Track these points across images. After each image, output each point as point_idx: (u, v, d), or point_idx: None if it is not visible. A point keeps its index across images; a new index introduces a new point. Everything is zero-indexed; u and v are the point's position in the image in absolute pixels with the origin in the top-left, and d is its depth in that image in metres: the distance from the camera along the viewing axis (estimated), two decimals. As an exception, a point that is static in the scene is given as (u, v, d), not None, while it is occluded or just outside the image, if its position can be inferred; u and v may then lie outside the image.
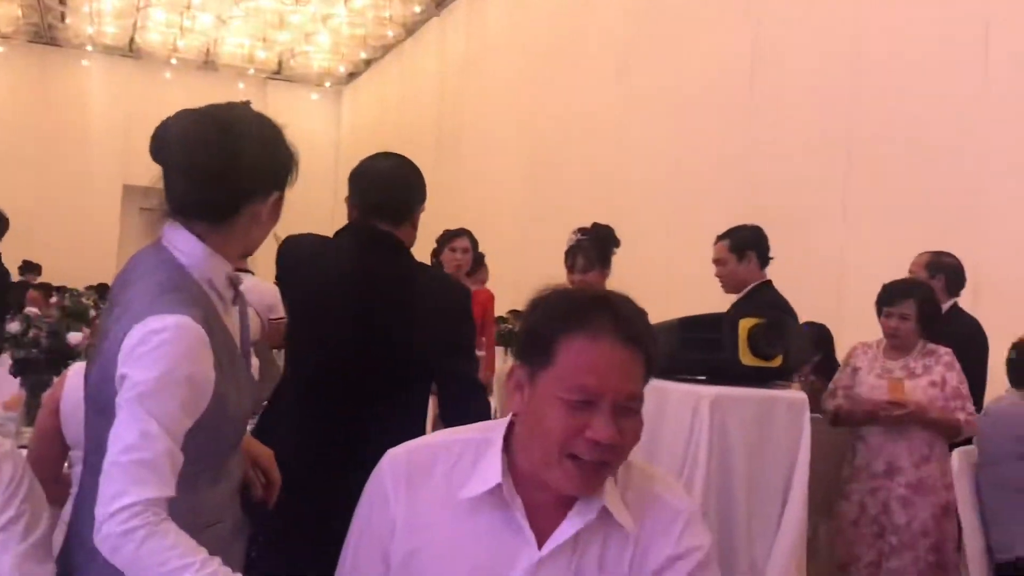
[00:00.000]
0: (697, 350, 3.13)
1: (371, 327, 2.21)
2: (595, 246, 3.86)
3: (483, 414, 2.28)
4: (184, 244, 1.47)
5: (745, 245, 4.05)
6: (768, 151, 6.57)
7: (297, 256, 2.30)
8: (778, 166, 6.45)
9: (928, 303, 3.70)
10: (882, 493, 3.58)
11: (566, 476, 1.28)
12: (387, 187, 2.32)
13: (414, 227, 2.37)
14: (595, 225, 3.99)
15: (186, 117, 1.49)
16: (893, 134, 5.77)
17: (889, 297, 3.70)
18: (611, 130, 8.22)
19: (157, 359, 1.32)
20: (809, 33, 6.42)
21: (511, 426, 1.38)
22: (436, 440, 1.45)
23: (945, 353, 3.67)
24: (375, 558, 1.38)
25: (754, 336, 3.00)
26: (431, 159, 10.81)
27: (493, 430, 1.39)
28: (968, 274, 4.82)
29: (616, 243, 3.94)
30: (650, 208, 7.57)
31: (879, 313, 3.73)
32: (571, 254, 3.90)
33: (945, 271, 4.22)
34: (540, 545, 1.31)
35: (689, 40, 7.44)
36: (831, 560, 3.75)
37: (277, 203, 1.55)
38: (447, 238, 5.27)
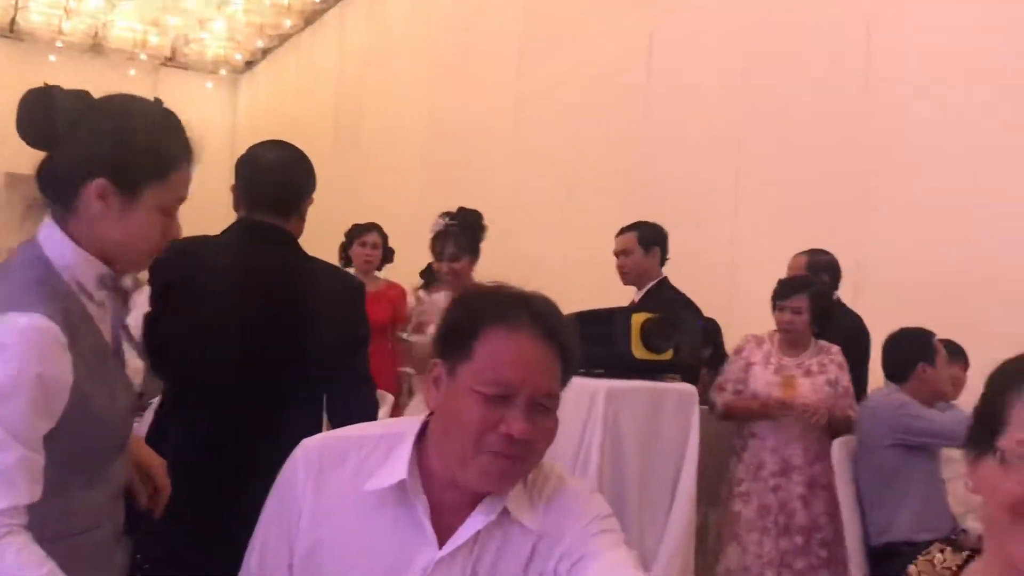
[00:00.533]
0: (591, 344, 3.17)
1: (264, 326, 2.17)
2: (465, 233, 3.72)
3: (370, 411, 2.27)
4: (53, 242, 1.42)
5: (652, 240, 4.14)
6: (663, 150, 6.71)
7: (178, 262, 2.16)
8: (672, 165, 6.59)
9: (821, 299, 3.77)
10: (782, 493, 3.61)
11: (480, 471, 1.27)
12: (275, 178, 2.27)
13: (302, 219, 2.33)
14: (462, 210, 3.82)
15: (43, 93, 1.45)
16: (781, 134, 5.96)
17: (784, 291, 3.78)
18: (509, 125, 8.26)
19: (5, 361, 1.27)
20: (704, 34, 6.58)
21: (426, 423, 1.38)
22: (352, 433, 1.44)
23: (836, 352, 3.76)
24: (282, 547, 1.37)
25: (646, 330, 3.07)
26: (330, 150, 10.67)
27: (409, 426, 1.39)
28: (850, 271, 5.02)
29: (484, 229, 3.80)
30: (546, 203, 7.64)
31: (774, 308, 3.79)
32: (440, 241, 3.73)
33: (826, 270, 4.34)
34: (442, 544, 1.31)
35: (587, 38, 7.53)
36: (724, 562, 3.73)
37: (127, 198, 1.43)
38: (356, 233, 5.18)
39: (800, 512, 3.59)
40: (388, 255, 5.57)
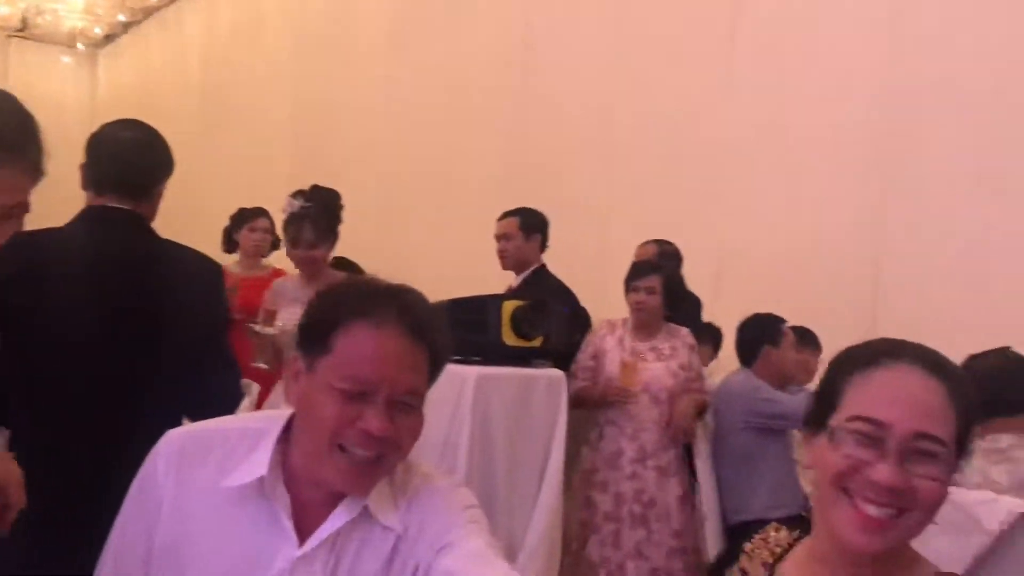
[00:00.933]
0: (463, 331, 3.20)
1: (118, 315, 2.07)
2: (323, 216, 3.32)
3: (232, 397, 2.21)
4: None
5: (534, 226, 4.13)
6: (538, 133, 6.78)
7: (19, 255, 1.91)
8: (548, 150, 6.67)
9: (673, 280, 3.78)
10: (638, 480, 3.58)
11: (336, 470, 1.23)
12: (127, 159, 2.16)
13: (156, 201, 2.23)
14: (317, 189, 3.42)
15: None
16: (649, 123, 6.12)
17: (636, 272, 3.78)
18: (382, 106, 8.17)
19: None
20: (579, 20, 6.68)
21: (292, 418, 1.33)
22: (216, 426, 1.39)
23: (687, 334, 3.78)
24: (139, 542, 1.31)
25: (516, 317, 3.11)
26: (196, 129, 10.31)
27: (274, 421, 1.34)
28: (712, 259, 5.21)
29: (341, 210, 3.45)
30: (420, 187, 7.61)
31: (627, 290, 3.77)
32: (295, 225, 3.32)
33: (672, 259, 4.37)
34: (303, 543, 1.27)
35: (464, 20, 7.52)
36: (580, 557, 3.66)
37: None
38: (245, 217, 4.94)
39: (657, 499, 3.57)
40: (276, 241, 5.40)
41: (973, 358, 2.55)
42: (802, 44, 5.63)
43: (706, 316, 4.74)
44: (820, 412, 1.15)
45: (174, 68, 12.83)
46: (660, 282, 3.70)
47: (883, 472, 1.06)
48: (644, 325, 3.74)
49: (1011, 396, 2.46)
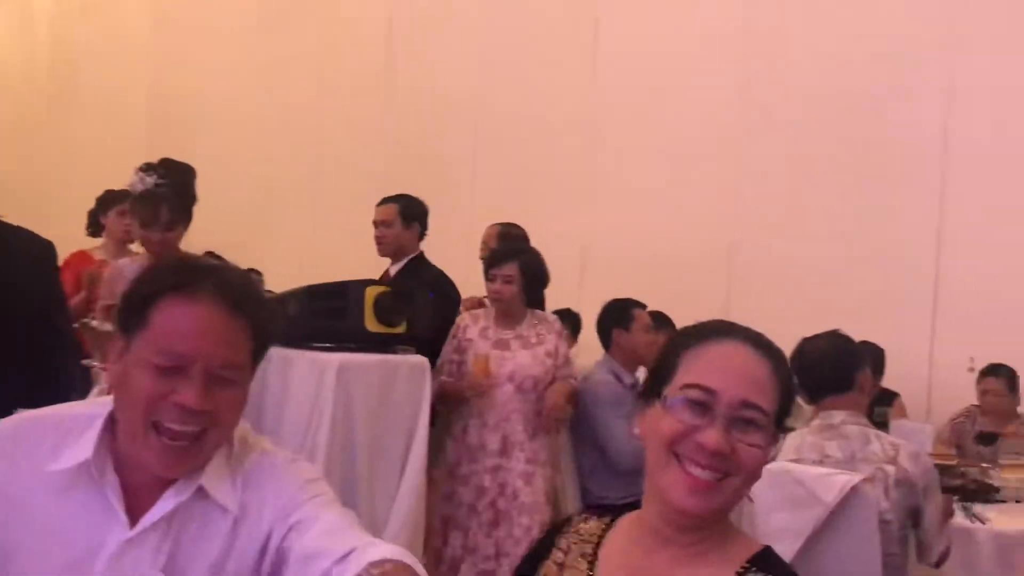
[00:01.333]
0: (325, 318, 3.18)
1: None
2: (179, 195, 3.08)
3: (74, 380, 2.13)
4: None
5: (413, 214, 4.06)
6: (408, 124, 6.76)
7: None
8: (418, 140, 6.66)
9: (533, 266, 3.64)
10: (502, 473, 3.47)
11: (152, 450, 1.22)
12: None
13: None
14: (168, 163, 3.14)
15: None
16: (515, 114, 6.21)
17: (493, 260, 3.68)
18: (247, 88, 7.95)
19: None
20: (444, 13, 6.68)
21: None
22: (51, 412, 1.35)
23: (555, 321, 3.71)
24: None
25: (379, 303, 3.10)
26: (44, 108, 9.78)
27: (105, 405, 1.31)
28: (577, 248, 5.33)
29: (194, 185, 3.18)
30: (289, 176, 7.46)
31: (486, 277, 3.68)
32: (147, 205, 3.03)
33: (518, 240, 4.28)
34: (135, 525, 1.25)
35: (332, 6, 7.41)
36: (442, 553, 3.55)
37: None
38: (113, 200, 4.67)
39: (523, 491, 3.46)
40: None
41: (806, 340, 2.70)
42: (663, 39, 5.82)
43: (571, 303, 4.85)
44: (656, 383, 1.22)
45: (20, 41, 12.11)
46: (518, 269, 3.58)
47: (711, 436, 1.13)
48: (505, 314, 3.64)
49: (841, 375, 2.63)
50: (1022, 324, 4.45)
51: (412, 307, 3.22)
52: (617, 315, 3.93)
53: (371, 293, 3.10)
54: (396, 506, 3.02)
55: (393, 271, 4.09)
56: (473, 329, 3.65)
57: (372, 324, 3.09)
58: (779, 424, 1.19)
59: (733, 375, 1.17)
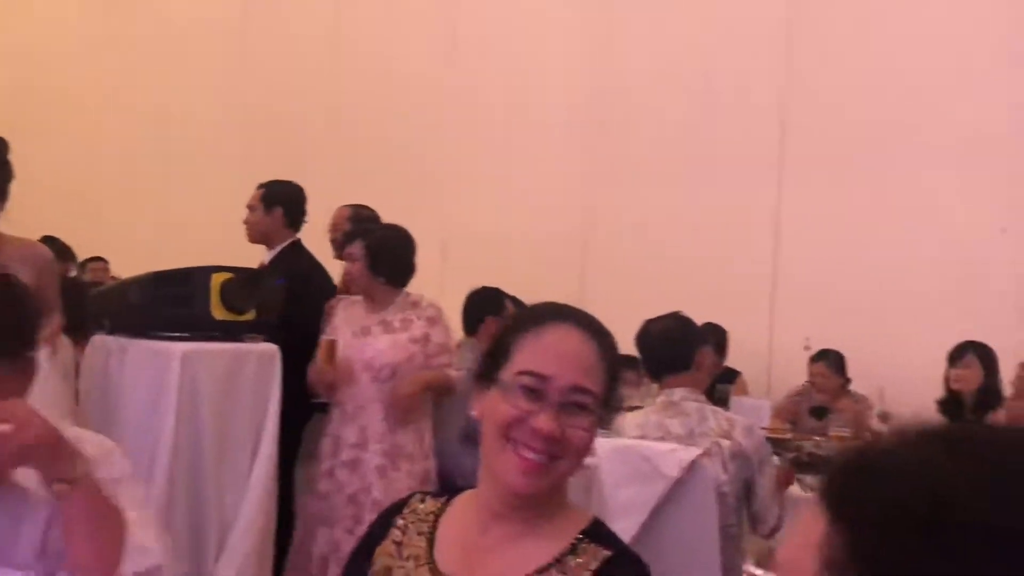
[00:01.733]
0: (170, 305, 3.07)
1: None
2: None
3: None
4: None
5: (275, 199, 3.89)
6: (260, 105, 6.62)
7: None
8: (273, 123, 6.53)
9: (379, 243, 3.43)
10: (360, 467, 3.25)
11: None
12: None
13: None
14: None
15: None
16: (373, 102, 6.19)
17: (341, 244, 3.64)
18: (90, 70, 7.57)
19: None
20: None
21: None
22: None
23: (429, 306, 3.44)
24: None
25: (226, 290, 3.02)
26: None
27: None
28: (437, 233, 5.32)
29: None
30: (148, 159, 7.14)
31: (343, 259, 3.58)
32: None
33: (369, 221, 4.16)
34: None
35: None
36: (310, 552, 3.34)
37: None
38: None
39: (375, 487, 3.22)
40: None
41: (649, 322, 2.80)
42: (521, 33, 5.91)
43: (433, 289, 4.84)
44: (492, 367, 1.24)
45: None
46: (362, 248, 3.38)
47: (543, 421, 1.17)
48: (369, 297, 3.42)
49: (680, 354, 2.74)
50: (853, 308, 4.75)
51: (260, 294, 3.16)
52: (490, 302, 3.95)
53: (217, 279, 3.02)
54: (247, 498, 2.95)
55: (266, 260, 3.93)
56: (341, 316, 3.44)
57: (219, 311, 3.01)
58: (606, 404, 1.23)
59: (565, 361, 1.20)
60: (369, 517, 2.96)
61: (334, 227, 4.18)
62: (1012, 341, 3.97)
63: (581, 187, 5.78)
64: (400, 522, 1.30)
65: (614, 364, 1.25)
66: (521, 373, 1.19)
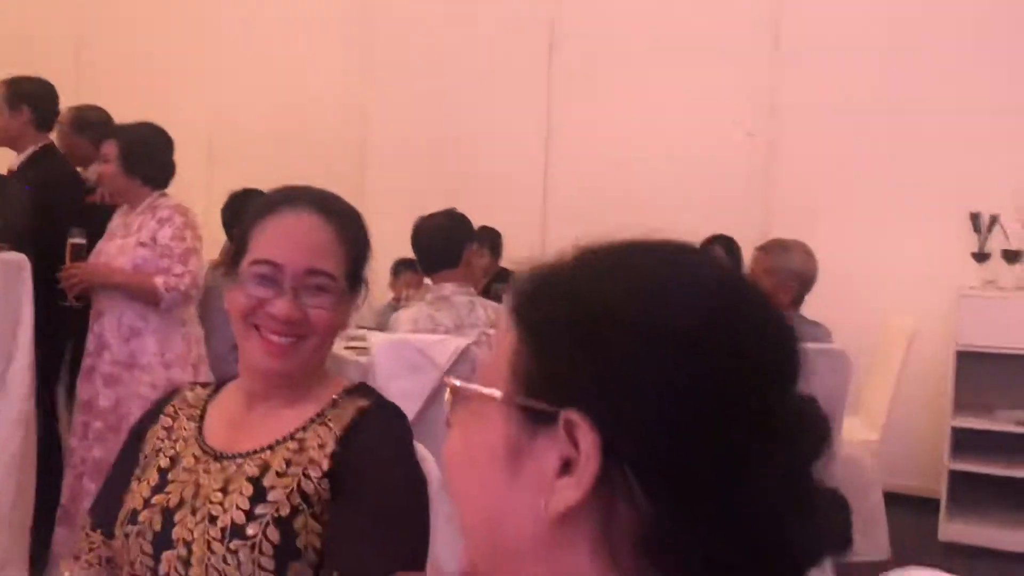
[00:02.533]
0: None
1: None
2: None
3: None
4: None
5: (19, 96, 3.50)
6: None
7: None
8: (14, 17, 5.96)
9: (128, 142, 3.12)
10: (94, 375, 3.04)
11: None
12: None
13: None
14: None
15: None
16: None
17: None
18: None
19: None
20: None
21: None
22: None
23: (167, 208, 3.09)
24: None
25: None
26: None
27: None
28: (203, 128, 5.09)
29: None
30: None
31: None
32: None
33: (96, 125, 3.80)
34: None
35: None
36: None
37: None
38: None
39: (103, 393, 3.02)
40: None
41: (421, 219, 2.86)
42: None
43: (199, 187, 4.65)
44: (234, 259, 1.26)
45: None
46: (115, 148, 3.09)
47: (279, 307, 1.21)
48: (124, 200, 3.17)
49: (450, 249, 2.83)
50: (619, 209, 5.02)
51: (4, 201, 2.92)
52: (245, 206, 3.83)
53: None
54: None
55: (14, 165, 3.57)
56: (117, 220, 3.18)
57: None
58: (352, 283, 1.27)
59: (296, 246, 1.22)
60: (96, 424, 2.96)
61: (59, 128, 3.81)
62: (754, 234, 4.35)
63: (358, 85, 5.75)
64: (170, 409, 1.34)
65: (357, 242, 1.28)
66: (255, 263, 1.22)
